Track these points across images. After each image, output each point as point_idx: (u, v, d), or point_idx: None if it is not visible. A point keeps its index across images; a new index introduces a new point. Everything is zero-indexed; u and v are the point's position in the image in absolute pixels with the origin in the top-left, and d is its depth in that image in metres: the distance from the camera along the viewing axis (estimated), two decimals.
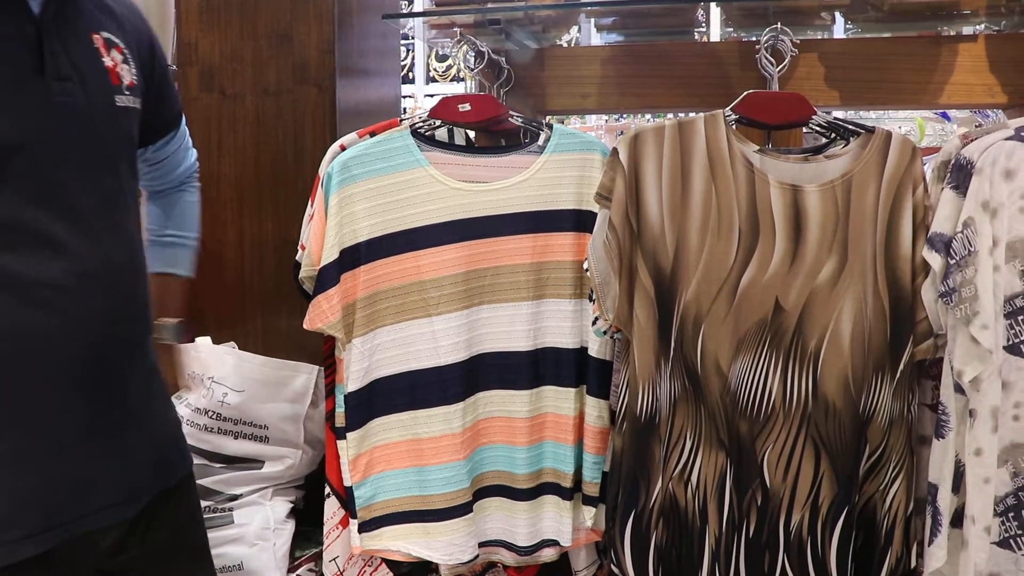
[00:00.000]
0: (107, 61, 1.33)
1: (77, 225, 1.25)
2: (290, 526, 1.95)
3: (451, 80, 6.91)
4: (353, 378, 1.70)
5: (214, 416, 1.90)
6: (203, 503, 1.82)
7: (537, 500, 1.77)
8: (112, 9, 1.40)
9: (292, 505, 1.98)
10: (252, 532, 1.87)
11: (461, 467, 1.72)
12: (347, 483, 1.74)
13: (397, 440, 1.73)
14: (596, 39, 2.53)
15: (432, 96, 6.44)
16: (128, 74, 1.38)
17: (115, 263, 1.31)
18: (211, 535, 1.76)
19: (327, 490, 1.80)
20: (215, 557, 1.81)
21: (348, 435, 1.72)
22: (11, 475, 1.22)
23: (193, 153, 1.69)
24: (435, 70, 6.97)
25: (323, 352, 1.81)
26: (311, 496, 2.03)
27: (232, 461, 1.93)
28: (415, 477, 1.73)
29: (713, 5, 2.06)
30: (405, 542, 1.75)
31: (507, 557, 1.80)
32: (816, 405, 1.54)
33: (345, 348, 1.70)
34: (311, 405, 1.94)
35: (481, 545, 1.77)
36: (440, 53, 6.81)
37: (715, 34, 2.21)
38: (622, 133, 4.76)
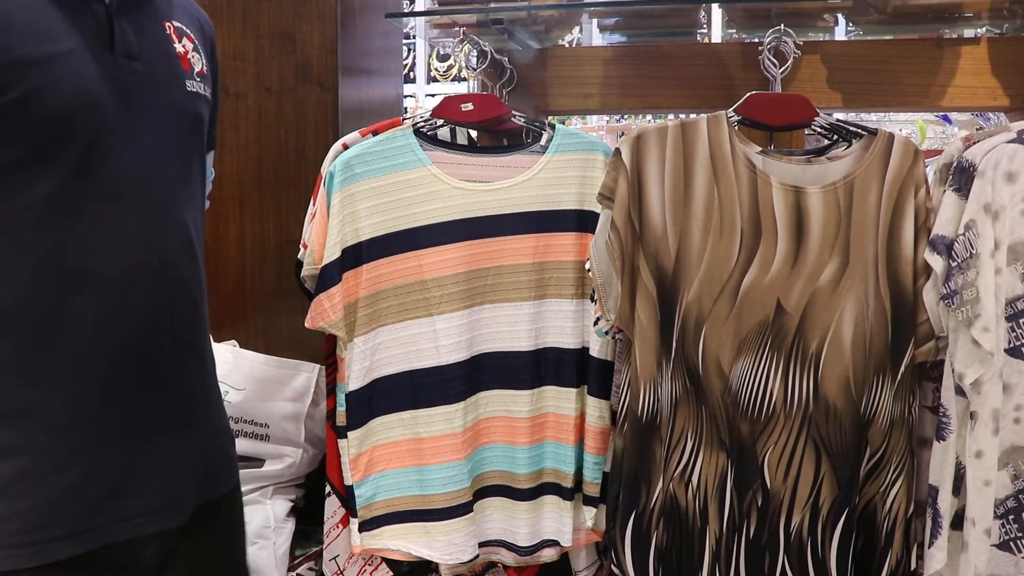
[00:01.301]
0: (178, 47, 1.31)
1: (132, 210, 1.21)
2: (290, 525, 1.95)
3: (452, 80, 6.91)
4: (354, 377, 1.70)
5: None
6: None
7: (537, 500, 1.77)
8: (184, 6, 1.39)
9: (292, 504, 1.98)
10: (252, 531, 1.86)
11: (462, 467, 1.72)
12: (348, 482, 1.74)
13: (398, 439, 1.73)
14: (597, 40, 2.53)
15: (433, 96, 6.43)
16: (198, 62, 1.36)
17: (169, 254, 1.27)
18: None
19: (328, 489, 1.80)
20: None
21: (349, 434, 1.72)
22: (45, 471, 1.17)
23: (212, 174, 1.59)
24: (436, 70, 6.97)
25: (324, 351, 1.81)
26: (311, 495, 2.03)
27: None
28: (415, 476, 1.73)
29: (715, 7, 2.06)
30: (405, 541, 1.75)
31: (507, 557, 1.80)
32: (817, 406, 1.54)
33: (346, 347, 1.71)
34: (312, 404, 1.94)
35: (481, 545, 1.77)
36: (441, 53, 6.80)
37: (716, 35, 2.21)
38: (623, 134, 4.77)
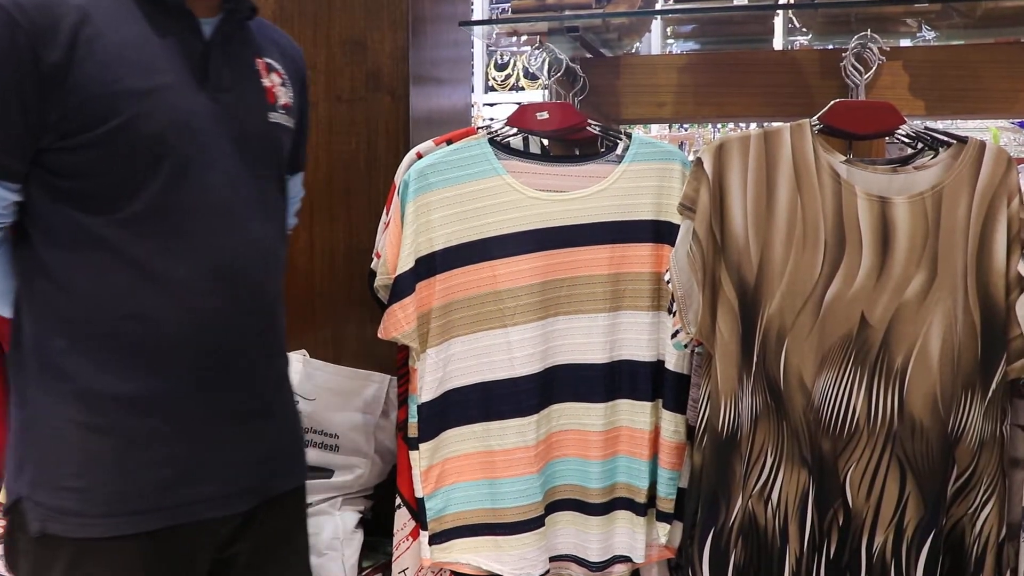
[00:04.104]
0: (265, 82, 1.46)
1: (211, 225, 1.34)
2: (359, 536, 1.93)
3: (510, 89, 6.91)
4: (427, 388, 1.69)
5: None
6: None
7: (610, 515, 1.74)
8: (278, 42, 1.54)
9: (361, 515, 1.97)
10: (322, 542, 1.86)
11: (534, 480, 1.69)
12: (418, 494, 1.72)
13: (470, 452, 1.71)
14: (656, 47, 2.50)
15: (492, 105, 6.44)
16: (284, 96, 1.49)
17: (244, 262, 1.39)
18: None
19: (398, 501, 1.78)
20: None
21: (420, 446, 1.70)
22: (129, 451, 1.30)
23: (302, 192, 1.72)
24: (494, 79, 6.98)
25: (395, 361, 1.80)
26: (379, 506, 2.02)
27: None
28: (487, 490, 1.71)
29: (778, 14, 2.03)
30: (475, 555, 1.73)
31: (578, 572, 1.77)
32: (902, 423, 1.50)
33: (419, 358, 1.69)
34: (382, 415, 1.93)
35: (552, 560, 1.75)
36: (499, 62, 6.81)
37: (778, 43, 2.18)
38: (683, 144, 4.72)
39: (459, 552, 1.73)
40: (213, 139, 1.34)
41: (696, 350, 1.63)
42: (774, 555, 1.55)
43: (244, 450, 1.40)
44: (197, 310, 1.33)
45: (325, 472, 1.93)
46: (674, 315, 1.58)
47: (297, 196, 1.68)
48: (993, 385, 1.48)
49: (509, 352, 1.68)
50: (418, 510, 1.73)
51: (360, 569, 1.94)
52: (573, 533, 1.75)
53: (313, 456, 1.92)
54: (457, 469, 1.72)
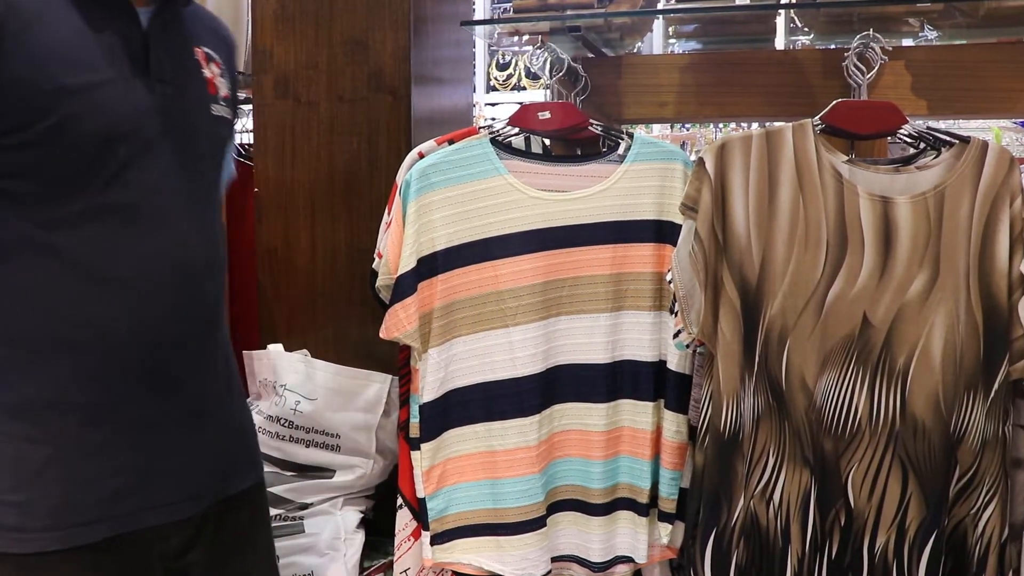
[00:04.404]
0: (206, 73, 1.43)
1: (158, 222, 1.30)
2: (360, 536, 1.94)
3: (511, 89, 6.92)
4: (428, 388, 1.68)
5: (286, 424, 1.90)
6: (273, 511, 1.82)
7: (612, 516, 1.73)
8: (210, 25, 1.50)
9: (362, 515, 1.97)
10: (323, 542, 1.86)
11: (536, 480, 1.69)
12: (420, 495, 1.72)
13: (471, 452, 1.71)
14: (659, 47, 2.49)
15: (493, 105, 6.44)
16: (224, 87, 1.47)
17: (190, 263, 1.36)
18: (282, 544, 1.77)
19: (399, 501, 1.78)
20: (286, 566, 1.81)
21: (422, 446, 1.70)
22: (71, 461, 1.26)
23: (232, 174, 1.68)
24: (495, 79, 6.98)
25: (397, 361, 1.79)
26: (380, 506, 2.02)
27: (303, 470, 1.93)
28: (489, 490, 1.71)
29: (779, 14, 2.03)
30: (477, 555, 1.72)
31: (580, 573, 1.76)
32: (904, 423, 1.50)
33: (421, 358, 1.69)
34: (383, 415, 1.93)
35: (553, 560, 1.74)
36: (501, 62, 6.81)
37: (780, 43, 2.17)
38: (684, 144, 4.71)
39: (461, 552, 1.73)
40: (155, 135, 1.30)
41: (698, 350, 1.63)
42: (776, 555, 1.55)
43: (194, 452, 1.38)
44: (146, 312, 1.29)
45: (326, 472, 1.93)
46: (676, 315, 1.58)
47: (229, 177, 1.64)
48: (995, 385, 1.48)
49: (511, 352, 1.67)
50: (420, 510, 1.73)
51: (362, 569, 1.94)
52: (575, 533, 1.75)
53: (314, 456, 1.93)
54: (459, 469, 1.71)
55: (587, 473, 1.72)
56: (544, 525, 1.71)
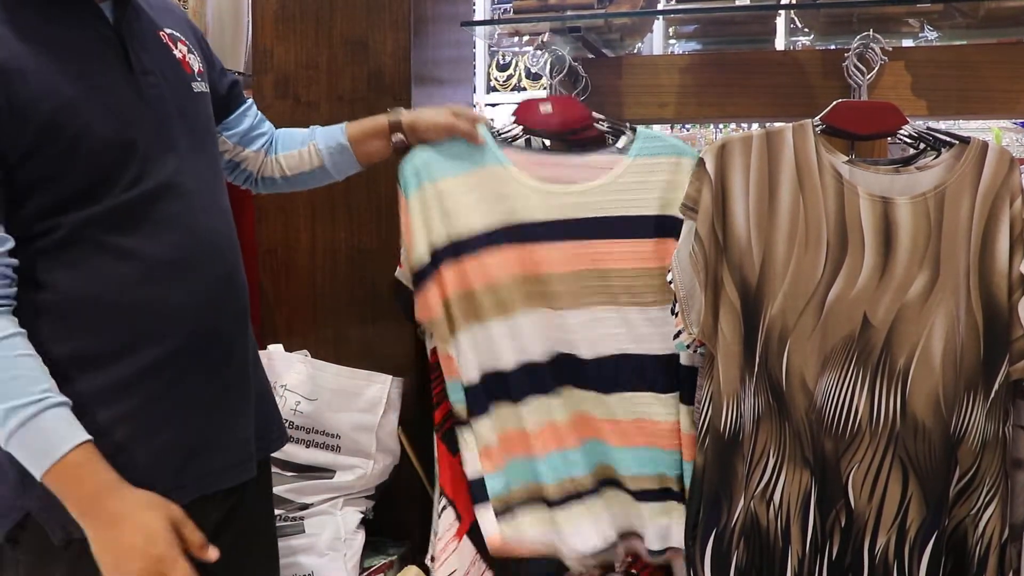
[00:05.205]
0: (177, 54, 1.45)
1: (186, 205, 1.36)
2: (361, 536, 1.93)
3: (512, 89, 6.90)
4: (467, 371, 1.69)
5: (286, 424, 1.89)
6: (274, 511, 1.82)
7: (664, 504, 1.70)
8: (160, 5, 1.49)
9: (363, 515, 1.96)
10: (324, 542, 1.86)
11: (571, 455, 1.69)
12: (476, 475, 1.70)
13: (510, 430, 1.71)
14: (659, 48, 2.49)
15: (494, 105, 6.43)
16: (195, 62, 1.49)
17: (219, 238, 1.42)
18: (283, 544, 1.77)
19: (442, 503, 1.76)
20: (287, 566, 1.81)
21: (474, 424, 1.70)
22: (145, 437, 1.31)
23: (260, 116, 1.74)
24: (496, 79, 6.97)
25: (412, 362, 1.85)
26: (380, 506, 2.02)
27: (303, 470, 1.93)
28: (530, 467, 1.71)
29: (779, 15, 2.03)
30: (540, 531, 1.71)
31: (642, 549, 1.73)
32: (904, 424, 1.50)
33: (450, 344, 1.70)
34: (384, 415, 1.92)
35: (622, 537, 1.73)
36: (501, 62, 6.80)
37: (780, 43, 2.17)
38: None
39: (528, 526, 1.71)
40: (159, 124, 1.35)
41: (699, 351, 1.63)
42: (776, 556, 1.55)
43: (240, 420, 1.45)
44: (184, 292, 1.34)
45: (327, 472, 1.93)
46: (676, 316, 1.57)
47: (259, 118, 1.71)
48: (995, 386, 1.48)
49: (518, 340, 1.69)
50: (474, 495, 1.71)
51: (362, 569, 1.93)
52: (627, 515, 1.72)
53: (315, 456, 1.92)
54: (505, 447, 1.71)
55: (620, 459, 1.70)
56: (588, 499, 1.70)
